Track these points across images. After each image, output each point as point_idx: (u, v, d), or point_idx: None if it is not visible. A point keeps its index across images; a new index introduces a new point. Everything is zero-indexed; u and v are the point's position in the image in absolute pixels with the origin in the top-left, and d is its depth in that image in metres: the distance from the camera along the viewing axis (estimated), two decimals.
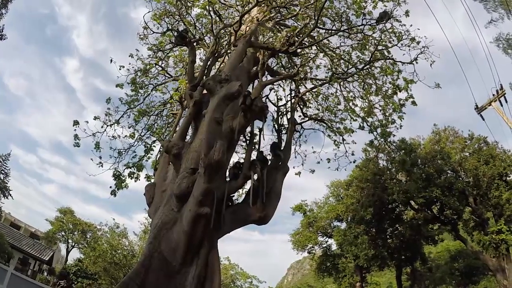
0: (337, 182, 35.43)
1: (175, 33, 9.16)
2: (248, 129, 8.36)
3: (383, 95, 11.76)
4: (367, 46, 11.77)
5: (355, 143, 12.52)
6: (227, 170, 7.09)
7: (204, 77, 8.28)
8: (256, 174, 6.85)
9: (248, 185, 7.39)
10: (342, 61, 12.30)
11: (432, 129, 29.85)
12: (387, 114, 12.21)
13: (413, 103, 11.75)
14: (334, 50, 12.50)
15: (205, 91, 7.53)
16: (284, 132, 10.46)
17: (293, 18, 12.15)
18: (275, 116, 10.96)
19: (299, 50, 10.42)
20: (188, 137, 8.05)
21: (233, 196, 7.33)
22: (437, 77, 10.95)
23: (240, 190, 10.94)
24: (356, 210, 28.47)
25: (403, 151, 24.36)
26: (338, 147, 12.44)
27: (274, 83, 12.22)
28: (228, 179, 7.01)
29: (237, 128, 7.08)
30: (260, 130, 8.09)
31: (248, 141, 8.30)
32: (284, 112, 11.11)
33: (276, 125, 10.53)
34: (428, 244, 29.97)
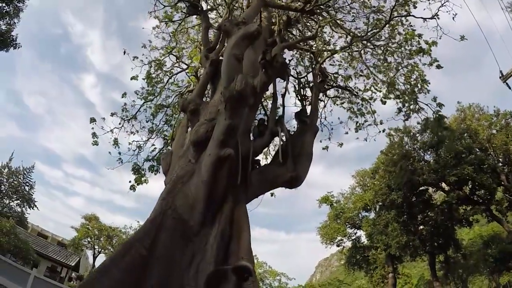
0: (362, 171, 34.73)
1: (187, 3, 8.75)
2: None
3: (408, 56, 11.13)
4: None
5: (378, 115, 12.00)
6: (251, 130, 6.58)
7: (219, 43, 7.84)
8: (283, 131, 6.32)
9: (274, 147, 6.90)
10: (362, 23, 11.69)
11: (456, 107, 28.76)
12: (412, 80, 11.59)
13: (438, 66, 11.17)
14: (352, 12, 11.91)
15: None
16: (307, 104, 9.97)
17: None
18: (297, 88, 10.55)
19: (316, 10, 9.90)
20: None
21: (259, 159, 6.80)
22: (454, 63, 10.46)
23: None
24: (386, 194, 27.47)
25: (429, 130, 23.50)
26: (364, 115, 11.92)
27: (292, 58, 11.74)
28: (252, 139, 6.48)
29: (259, 85, 6.61)
30: (285, 87, 7.54)
31: (272, 101, 7.74)
32: (306, 84, 10.71)
33: (298, 96, 10.12)
34: (462, 227, 28.70)
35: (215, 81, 6.98)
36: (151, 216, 4.90)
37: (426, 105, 10.05)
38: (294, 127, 9.44)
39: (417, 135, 26.81)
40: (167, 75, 13.50)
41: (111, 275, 4.08)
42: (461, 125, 27.09)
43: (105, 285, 3.98)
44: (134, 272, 4.22)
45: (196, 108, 6.20)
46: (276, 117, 6.90)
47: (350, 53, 12.34)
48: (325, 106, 11.64)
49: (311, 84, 9.96)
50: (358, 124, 12.19)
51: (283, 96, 8.19)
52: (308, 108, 8.57)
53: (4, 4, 20.38)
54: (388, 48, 11.77)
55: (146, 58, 13.14)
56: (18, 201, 33.91)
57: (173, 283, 4.38)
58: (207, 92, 7.80)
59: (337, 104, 12.50)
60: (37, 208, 34.84)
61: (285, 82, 7.63)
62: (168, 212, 4.83)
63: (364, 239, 35.10)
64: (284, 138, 6.25)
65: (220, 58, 7.20)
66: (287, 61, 9.56)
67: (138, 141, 12.99)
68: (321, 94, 10.32)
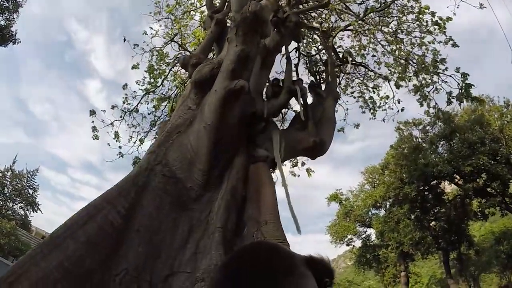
0: (371, 168, 33.87)
1: None
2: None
3: (420, 32, 10.57)
4: None
5: (397, 92, 11.43)
6: (264, 90, 5.92)
7: (226, 4, 7.24)
8: (302, 90, 5.65)
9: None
10: None
11: None
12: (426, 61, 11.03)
13: (454, 45, 10.62)
14: None
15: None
16: (321, 81, 9.42)
17: None
18: (309, 65, 10.02)
19: None
20: None
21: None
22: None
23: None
24: (398, 188, 26.64)
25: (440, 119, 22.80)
26: (379, 92, 11.43)
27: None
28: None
29: (272, 45, 6.02)
30: (298, 52, 6.93)
31: (286, 63, 7.11)
32: (318, 61, 10.17)
33: (310, 73, 9.61)
34: (478, 220, 27.83)
35: (220, 43, 6.26)
36: (133, 172, 3.62)
37: (450, 76, 9.38)
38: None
39: (428, 127, 26.16)
40: (170, 65, 13.09)
41: (64, 249, 2.85)
42: (473, 116, 26.33)
43: (54, 263, 2.75)
44: (100, 247, 3.01)
45: (199, 62, 5.12)
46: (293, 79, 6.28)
47: (360, 38, 11.79)
48: (340, 83, 11.07)
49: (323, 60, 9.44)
50: (371, 110, 11.76)
51: (297, 66, 7.65)
52: (323, 86, 8.02)
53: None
54: (400, 31, 11.22)
55: (147, 45, 12.75)
56: (22, 204, 33.55)
57: (160, 267, 3.16)
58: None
59: (347, 94, 12.05)
60: (41, 211, 34.47)
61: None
62: (157, 168, 3.60)
63: (374, 238, 34.29)
64: (302, 99, 5.56)
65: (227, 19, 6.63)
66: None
67: (139, 132, 12.54)
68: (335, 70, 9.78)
